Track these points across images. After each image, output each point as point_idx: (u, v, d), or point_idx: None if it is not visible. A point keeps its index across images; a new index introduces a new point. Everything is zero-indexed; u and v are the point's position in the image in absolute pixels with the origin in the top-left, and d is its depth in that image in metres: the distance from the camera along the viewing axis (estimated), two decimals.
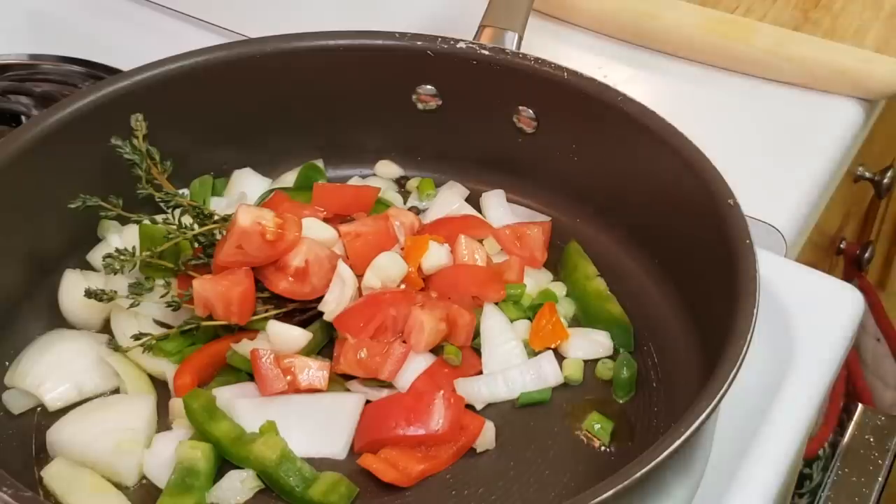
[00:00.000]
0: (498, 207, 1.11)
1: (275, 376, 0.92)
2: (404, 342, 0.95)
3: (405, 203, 1.13)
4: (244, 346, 0.94)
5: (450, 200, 1.11)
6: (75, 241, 1.04)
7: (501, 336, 0.98)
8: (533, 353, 0.98)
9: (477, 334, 0.98)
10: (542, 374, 0.96)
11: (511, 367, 0.96)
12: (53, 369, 0.95)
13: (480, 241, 1.05)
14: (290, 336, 0.94)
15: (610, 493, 0.73)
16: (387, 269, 0.97)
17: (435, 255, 1.01)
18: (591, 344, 0.99)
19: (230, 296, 0.93)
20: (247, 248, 0.94)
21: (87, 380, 0.95)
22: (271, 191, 1.10)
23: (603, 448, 0.92)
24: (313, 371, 0.93)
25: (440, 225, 1.07)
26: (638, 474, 0.74)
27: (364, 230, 1.01)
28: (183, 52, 1.05)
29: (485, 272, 1.02)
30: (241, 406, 0.91)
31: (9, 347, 0.97)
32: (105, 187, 0.98)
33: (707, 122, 1.10)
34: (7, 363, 0.96)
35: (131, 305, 0.97)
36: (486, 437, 0.92)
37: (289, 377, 0.92)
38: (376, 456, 0.90)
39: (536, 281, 1.04)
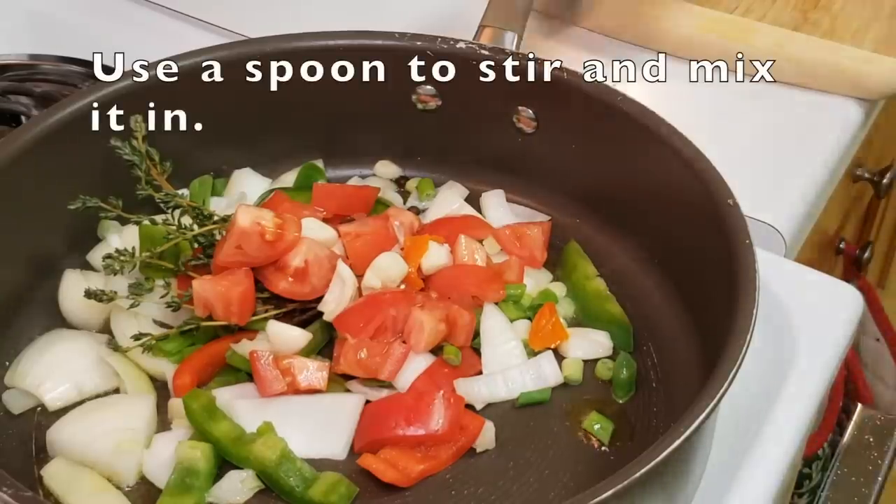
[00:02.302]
0: (498, 207, 1.11)
1: (274, 377, 0.92)
2: (404, 342, 0.95)
3: (405, 203, 1.13)
4: (244, 347, 0.94)
5: (449, 200, 1.11)
6: (75, 241, 1.04)
7: (501, 336, 0.98)
8: (533, 353, 0.98)
9: (477, 334, 0.98)
10: (542, 374, 0.96)
11: (511, 367, 0.96)
12: (53, 369, 0.95)
13: (480, 241, 1.05)
14: (290, 336, 0.94)
15: (609, 493, 0.73)
16: (387, 269, 0.97)
17: (435, 255, 1.01)
18: (590, 344, 0.99)
19: (230, 296, 0.93)
20: (246, 249, 0.94)
21: (87, 380, 0.95)
22: (271, 191, 1.10)
23: (603, 448, 0.92)
24: (312, 372, 0.93)
25: (440, 225, 1.07)
26: (638, 474, 0.74)
27: (364, 230, 1.01)
28: (183, 52, 1.05)
29: (485, 272, 1.02)
30: (241, 407, 0.91)
31: (9, 347, 0.97)
32: (105, 187, 0.98)
33: (707, 122, 1.10)
34: (7, 363, 0.96)
35: (131, 306, 0.97)
36: (486, 437, 0.92)
37: (288, 378, 0.92)
38: (376, 456, 0.90)
39: (536, 281, 1.04)
